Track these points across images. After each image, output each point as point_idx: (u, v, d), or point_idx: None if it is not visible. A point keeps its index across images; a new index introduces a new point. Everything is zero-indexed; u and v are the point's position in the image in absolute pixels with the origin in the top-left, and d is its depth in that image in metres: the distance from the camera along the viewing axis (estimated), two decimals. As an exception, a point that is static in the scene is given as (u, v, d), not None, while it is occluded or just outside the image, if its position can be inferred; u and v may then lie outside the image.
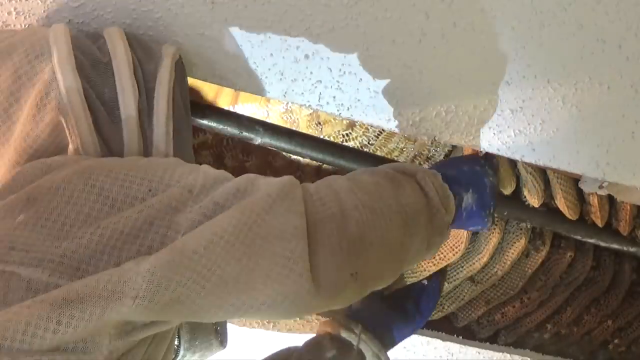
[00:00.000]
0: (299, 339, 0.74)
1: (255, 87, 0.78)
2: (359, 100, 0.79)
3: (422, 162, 1.06)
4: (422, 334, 1.21)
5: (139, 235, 0.53)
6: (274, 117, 1.00)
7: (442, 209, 0.69)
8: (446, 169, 0.75)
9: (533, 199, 0.97)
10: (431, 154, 1.05)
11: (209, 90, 0.95)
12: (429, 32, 0.76)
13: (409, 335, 0.80)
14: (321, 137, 1.01)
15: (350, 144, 1.04)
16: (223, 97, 0.97)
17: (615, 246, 1.07)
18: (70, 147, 0.60)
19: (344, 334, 0.74)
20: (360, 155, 0.92)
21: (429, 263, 1.06)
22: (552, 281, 1.14)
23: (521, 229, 1.05)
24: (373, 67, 0.77)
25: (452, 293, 1.18)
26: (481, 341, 1.26)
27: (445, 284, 1.12)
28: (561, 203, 0.97)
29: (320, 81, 0.78)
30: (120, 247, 0.52)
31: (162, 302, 0.50)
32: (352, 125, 1.03)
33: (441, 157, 1.05)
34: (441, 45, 0.77)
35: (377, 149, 1.05)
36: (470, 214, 0.75)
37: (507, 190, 0.98)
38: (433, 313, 1.20)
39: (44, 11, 0.70)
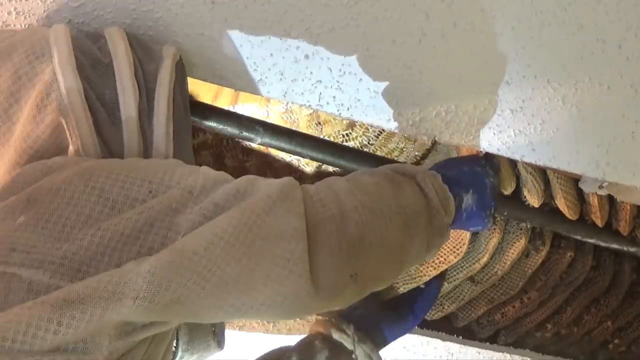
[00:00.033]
0: (292, 340, 0.74)
1: (255, 87, 0.78)
2: (359, 100, 0.79)
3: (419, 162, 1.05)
4: (422, 334, 1.20)
5: (140, 237, 0.53)
6: (274, 117, 1.00)
7: (441, 210, 0.69)
8: (446, 169, 0.75)
9: (533, 199, 0.97)
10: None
11: (209, 90, 0.95)
12: (429, 32, 0.76)
13: (401, 335, 0.80)
14: (321, 137, 1.01)
15: (350, 144, 1.04)
16: (223, 97, 0.97)
17: (615, 246, 1.07)
18: (71, 148, 0.60)
19: (336, 335, 0.74)
20: (360, 156, 0.92)
21: (429, 267, 1.05)
22: (552, 281, 1.14)
23: (521, 229, 1.05)
24: (373, 67, 0.77)
25: (452, 293, 1.18)
26: (481, 341, 1.26)
27: (445, 283, 1.12)
28: (561, 203, 0.97)
29: (320, 81, 0.78)
30: (121, 248, 0.52)
31: (163, 302, 0.50)
32: (352, 125, 1.03)
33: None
34: (441, 45, 0.77)
35: (377, 149, 1.05)
36: (470, 215, 0.75)
37: (507, 191, 0.97)
38: (433, 313, 1.20)
39: (44, 11, 0.70)
